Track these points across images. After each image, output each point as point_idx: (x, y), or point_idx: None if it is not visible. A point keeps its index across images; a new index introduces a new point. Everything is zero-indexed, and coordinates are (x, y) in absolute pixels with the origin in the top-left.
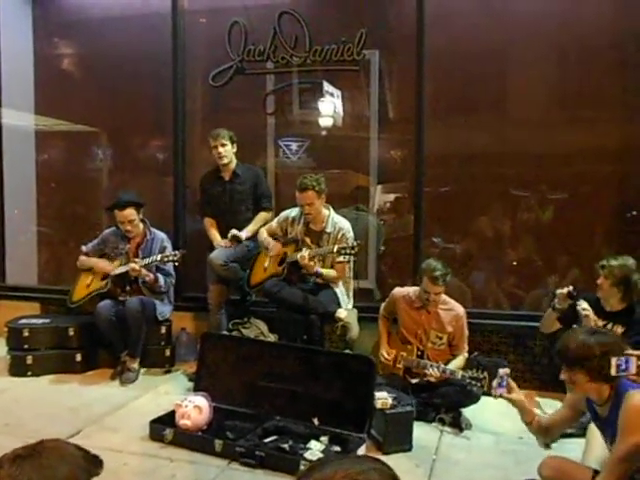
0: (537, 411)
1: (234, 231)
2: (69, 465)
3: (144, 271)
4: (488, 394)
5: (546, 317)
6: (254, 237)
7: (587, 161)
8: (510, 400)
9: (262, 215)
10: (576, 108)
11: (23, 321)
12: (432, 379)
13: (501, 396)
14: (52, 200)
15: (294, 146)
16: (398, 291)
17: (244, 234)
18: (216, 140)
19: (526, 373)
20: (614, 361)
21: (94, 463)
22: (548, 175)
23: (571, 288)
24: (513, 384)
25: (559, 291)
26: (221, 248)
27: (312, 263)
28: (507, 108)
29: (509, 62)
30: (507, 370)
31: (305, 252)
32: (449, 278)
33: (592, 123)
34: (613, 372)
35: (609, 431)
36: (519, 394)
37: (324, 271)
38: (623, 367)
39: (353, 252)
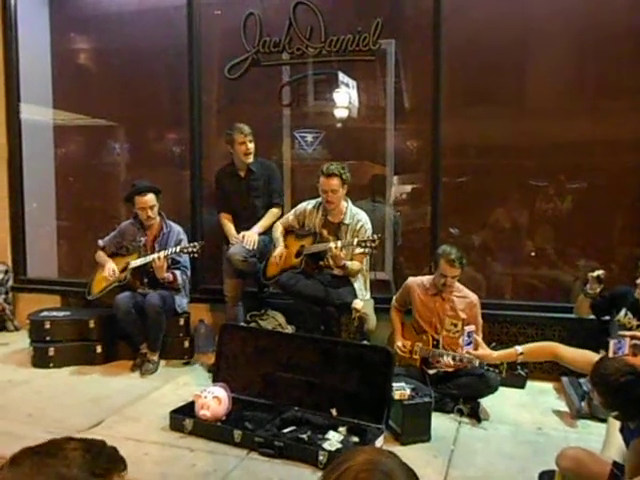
0: (516, 347)
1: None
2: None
3: (166, 266)
4: (506, 384)
5: (579, 303)
6: (268, 231)
7: (606, 151)
8: (478, 356)
9: (273, 211)
10: (595, 98)
11: (44, 313)
12: (449, 369)
13: (468, 353)
14: (71, 194)
15: (309, 137)
16: (412, 280)
17: (255, 230)
18: (246, 136)
19: (545, 363)
20: (612, 344)
21: (105, 470)
22: (566, 165)
23: (601, 272)
24: (479, 340)
25: (591, 274)
26: (239, 244)
27: (342, 254)
28: (525, 98)
29: (527, 51)
30: (472, 327)
31: (338, 243)
32: (465, 262)
33: (611, 113)
34: (611, 353)
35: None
36: (485, 349)
37: (349, 263)
38: (619, 347)
39: (373, 245)
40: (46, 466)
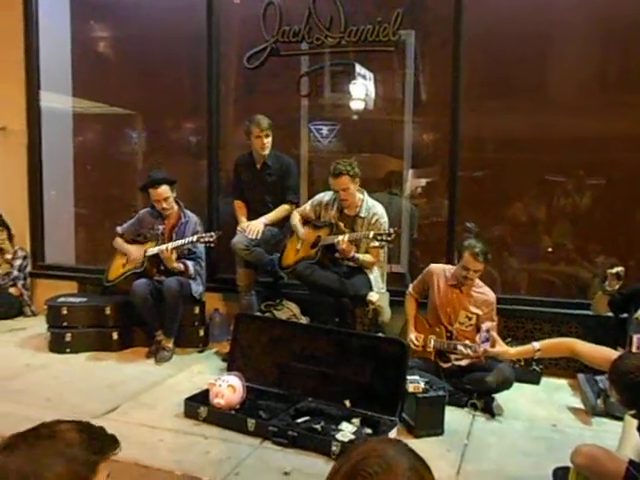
0: (533, 343)
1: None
2: (64, 457)
3: (174, 257)
4: (521, 379)
5: (597, 300)
6: (278, 224)
7: (628, 146)
8: (495, 354)
9: (284, 207)
10: (618, 91)
11: (62, 299)
12: (462, 362)
13: (486, 351)
14: (89, 181)
15: (325, 130)
16: (435, 266)
17: (262, 220)
18: (262, 130)
19: (561, 360)
20: (636, 339)
21: (103, 447)
22: (586, 160)
23: (620, 269)
24: (496, 337)
25: (609, 271)
26: (242, 233)
27: (350, 248)
28: (545, 91)
29: (548, 43)
30: (489, 324)
31: (345, 236)
32: (489, 257)
33: (634, 107)
34: (634, 348)
35: None
36: (502, 346)
37: (360, 256)
38: None
39: (390, 239)
40: (48, 448)
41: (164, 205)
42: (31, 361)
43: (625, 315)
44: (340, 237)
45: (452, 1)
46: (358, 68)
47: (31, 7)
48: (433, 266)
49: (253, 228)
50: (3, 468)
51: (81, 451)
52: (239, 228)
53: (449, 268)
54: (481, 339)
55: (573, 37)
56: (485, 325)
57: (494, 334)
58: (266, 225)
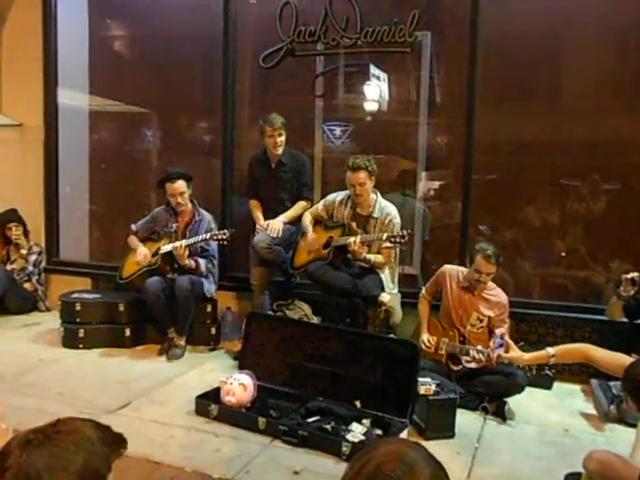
0: (548, 349)
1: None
2: (85, 453)
3: (187, 254)
4: (533, 384)
5: (611, 305)
6: (296, 222)
7: None
8: (509, 359)
9: (301, 203)
10: (634, 96)
11: (75, 295)
12: (474, 365)
13: (500, 356)
14: (104, 179)
15: (338, 131)
16: (448, 267)
17: (281, 219)
18: (275, 130)
19: (573, 365)
20: None
21: (115, 444)
22: (601, 165)
23: (636, 274)
24: (510, 342)
25: (624, 276)
26: (263, 232)
27: (362, 249)
28: (561, 94)
29: (565, 47)
30: (502, 330)
31: (357, 237)
32: (501, 260)
33: None
34: None
35: None
36: (516, 351)
37: (372, 257)
38: None
39: (403, 241)
40: (69, 443)
41: (179, 200)
42: (44, 356)
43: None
44: (352, 238)
45: (469, 2)
46: (373, 69)
47: (50, 6)
48: (447, 267)
49: (274, 227)
50: (27, 463)
51: (100, 447)
52: (258, 227)
53: (462, 270)
54: (495, 344)
55: (589, 40)
56: (499, 330)
57: (508, 339)
58: (285, 224)
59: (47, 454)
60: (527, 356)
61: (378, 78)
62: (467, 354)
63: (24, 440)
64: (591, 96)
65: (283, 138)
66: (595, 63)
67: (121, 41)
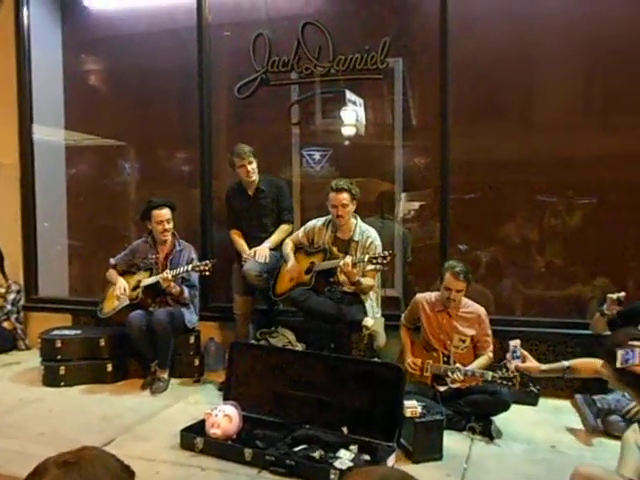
0: (563, 362)
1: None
2: (112, 476)
3: (173, 283)
4: (518, 401)
5: (595, 321)
6: (279, 248)
7: (615, 166)
8: (526, 369)
9: (284, 227)
10: (604, 113)
11: (55, 332)
12: (459, 385)
13: (517, 367)
14: (82, 213)
15: (317, 155)
16: (420, 296)
17: (267, 244)
18: (243, 159)
19: (558, 380)
20: (620, 353)
21: (129, 473)
22: (575, 181)
23: (622, 294)
24: (525, 353)
25: (610, 296)
26: (252, 260)
27: (355, 270)
28: (533, 114)
29: (534, 67)
30: (517, 341)
31: (348, 258)
32: (470, 277)
33: (620, 128)
34: (618, 364)
35: None
36: (533, 362)
37: (363, 280)
38: (627, 357)
39: (385, 262)
40: (98, 467)
41: (166, 227)
42: (25, 395)
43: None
44: (342, 261)
45: (437, 29)
46: (348, 94)
47: (23, 42)
48: (419, 296)
49: (262, 253)
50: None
51: (120, 470)
52: (245, 256)
53: (435, 295)
54: (512, 356)
55: (558, 61)
56: (513, 342)
57: (523, 351)
58: (270, 249)
59: (82, 474)
60: (544, 367)
61: (354, 103)
62: (452, 374)
63: (60, 461)
64: (562, 115)
65: (254, 165)
66: (565, 83)
67: (96, 75)
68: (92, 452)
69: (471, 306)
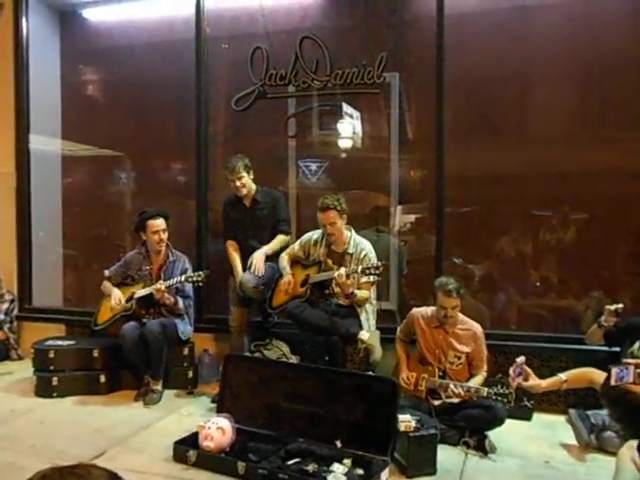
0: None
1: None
2: None
3: (167, 294)
4: (512, 416)
5: (591, 332)
6: (275, 258)
7: (611, 180)
8: (529, 387)
9: (280, 237)
10: (599, 127)
11: (49, 342)
12: (454, 400)
13: (520, 384)
14: (77, 223)
15: (314, 167)
16: (416, 310)
17: (264, 249)
18: (232, 175)
19: (552, 395)
20: (614, 371)
21: None
22: (571, 195)
23: (620, 306)
24: (529, 371)
25: (608, 307)
26: (248, 272)
27: (349, 282)
28: (528, 128)
29: (530, 83)
30: (523, 358)
31: (342, 269)
32: (463, 291)
33: (615, 143)
34: (613, 381)
35: None
36: (535, 379)
37: (357, 292)
38: (622, 375)
39: (377, 272)
40: None
41: (162, 236)
42: (16, 406)
43: (617, 349)
44: (336, 272)
45: (434, 44)
46: (345, 107)
47: (22, 51)
48: (414, 311)
49: (257, 264)
50: None
51: None
52: (238, 279)
53: (431, 310)
54: (515, 373)
55: (554, 76)
56: (520, 359)
57: (527, 368)
58: (267, 255)
59: None
60: (545, 384)
61: (351, 116)
62: (447, 389)
63: (40, 475)
64: (557, 129)
65: (245, 180)
66: (559, 98)
67: (93, 86)
68: (80, 471)
69: (467, 323)
